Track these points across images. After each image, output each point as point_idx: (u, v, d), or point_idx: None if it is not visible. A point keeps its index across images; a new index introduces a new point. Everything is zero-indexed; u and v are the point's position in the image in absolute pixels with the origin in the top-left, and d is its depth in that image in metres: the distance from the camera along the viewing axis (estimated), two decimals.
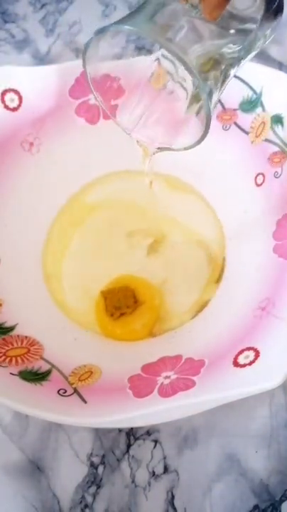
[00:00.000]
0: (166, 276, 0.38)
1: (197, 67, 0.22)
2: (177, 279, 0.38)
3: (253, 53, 0.27)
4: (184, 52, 0.22)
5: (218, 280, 0.36)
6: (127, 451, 0.32)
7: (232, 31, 0.25)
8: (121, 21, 0.23)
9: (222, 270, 0.37)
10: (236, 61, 0.25)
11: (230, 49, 0.25)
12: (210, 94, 0.24)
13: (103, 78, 0.29)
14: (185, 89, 0.30)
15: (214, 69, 0.24)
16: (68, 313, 0.36)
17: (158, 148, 0.31)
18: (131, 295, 0.36)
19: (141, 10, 0.23)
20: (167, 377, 0.27)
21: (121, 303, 0.35)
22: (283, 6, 0.26)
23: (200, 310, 0.35)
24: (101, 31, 0.23)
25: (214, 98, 0.24)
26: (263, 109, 0.35)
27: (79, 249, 0.40)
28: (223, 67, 0.24)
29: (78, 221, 0.41)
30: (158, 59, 0.30)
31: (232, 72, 0.26)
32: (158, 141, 0.30)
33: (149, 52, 0.44)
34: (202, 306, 0.35)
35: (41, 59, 0.50)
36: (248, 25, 0.25)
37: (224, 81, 0.25)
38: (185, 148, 0.28)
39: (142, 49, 0.47)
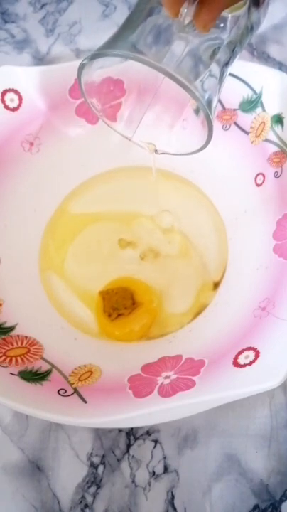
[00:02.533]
0: (166, 280, 0.38)
1: (188, 78, 0.22)
2: (177, 284, 0.37)
3: (246, 43, 0.26)
4: (179, 72, 0.22)
5: (217, 285, 0.36)
6: (127, 451, 0.32)
7: (222, 25, 0.24)
8: (111, 45, 0.23)
9: (222, 276, 0.36)
10: (230, 56, 0.25)
11: (225, 45, 0.24)
12: (209, 103, 0.23)
13: (103, 81, 0.29)
14: None
15: (212, 66, 0.24)
16: (67, 314, 0.36)
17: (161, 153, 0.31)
18: (129, 296, 0.36)
19: (127, 29, 0.23)
20: (167, 377, 0.27)
21: (119, 304, 0.35)
22: None
23: (200, 312, 0.35)
24: (93, 57, 0.23)
25: (214, 103, 0.24)
26: (263, 109, 0.35)
27: (79, 250, 0.39)
28: (220, 64, 0.24)
29: (78, 221, 0.41)
30: None
31: (228, 69, 0.25)
32: (158, 145, 0.30)
33: None
34: (202, 309, 0.35)
35: (41, 59, 0.50)
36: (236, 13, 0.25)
37: (221, 81, 0.25)
38: (188, 154, 0.28)
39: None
